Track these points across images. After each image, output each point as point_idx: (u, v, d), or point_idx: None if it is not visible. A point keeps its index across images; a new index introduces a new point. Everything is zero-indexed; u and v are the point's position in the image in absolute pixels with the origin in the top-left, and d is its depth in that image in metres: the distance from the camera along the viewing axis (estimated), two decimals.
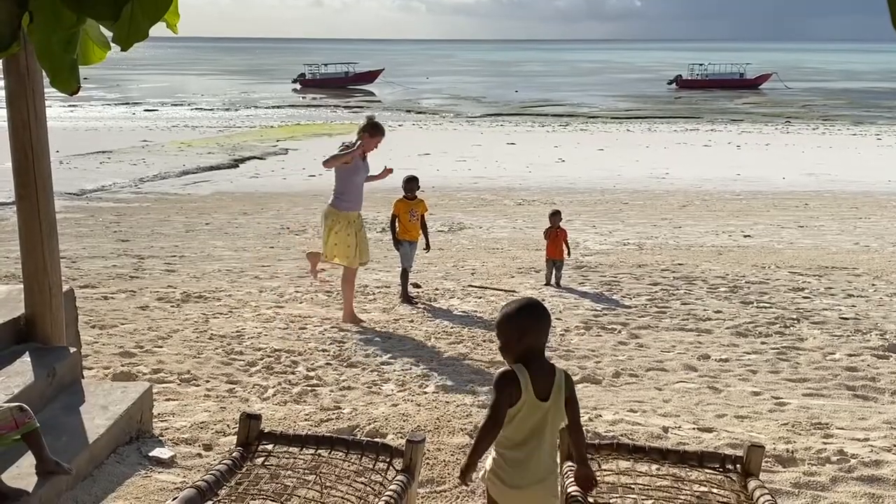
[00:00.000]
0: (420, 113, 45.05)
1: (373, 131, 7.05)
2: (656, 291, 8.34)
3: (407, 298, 7.90)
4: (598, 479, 2.94)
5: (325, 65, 68.08)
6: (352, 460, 3.08)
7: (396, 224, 7.95)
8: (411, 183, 8.04)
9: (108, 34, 1.45)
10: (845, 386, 5.56)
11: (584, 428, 4.58)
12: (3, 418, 3.13)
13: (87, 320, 6.70)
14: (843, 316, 7.39)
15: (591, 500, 2.83)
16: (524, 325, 2.70)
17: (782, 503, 3.78)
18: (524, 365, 2.68)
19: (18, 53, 3.91)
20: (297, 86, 64.54)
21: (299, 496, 2.92)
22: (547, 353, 6.50)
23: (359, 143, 6.99)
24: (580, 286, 8.66)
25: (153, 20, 1.28)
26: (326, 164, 7.01)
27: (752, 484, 2.92)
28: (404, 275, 7.98)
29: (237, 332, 6.72)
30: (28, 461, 3.42)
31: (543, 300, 7.97)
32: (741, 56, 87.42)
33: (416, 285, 8.40)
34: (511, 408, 2.65)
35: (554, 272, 8.71)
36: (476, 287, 8.57)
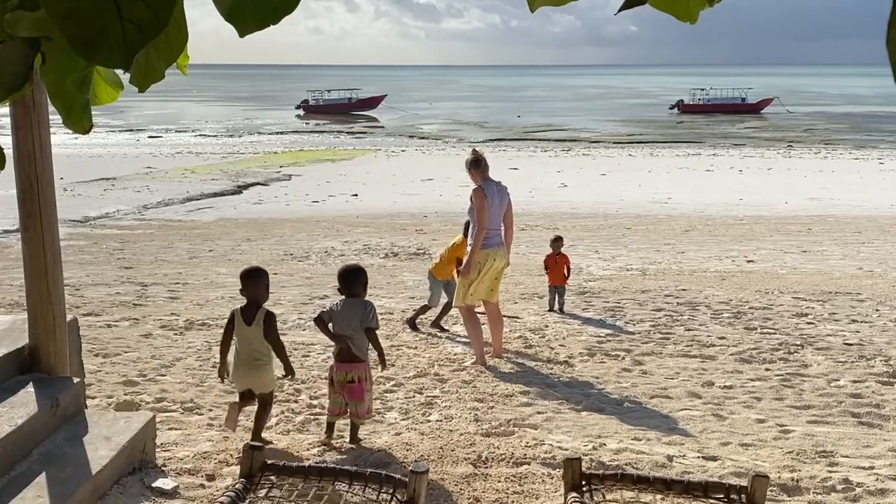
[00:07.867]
0: (423, 138, 45.31)
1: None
2: (660, 317, 8.34)
3: (413, 326, 7.93)
4: None
5: (329, 91, 68.51)
6: (355, 492, 3.08)
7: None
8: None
9: (121, 73, 1.47)
10: (850, 413, 5.54)
11: (587, 456, 4.58)
12: None
13: (90, 349, 6.71)
14: (848, 342, 7.37)
15: None
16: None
17: None
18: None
19: None
20: (301, 112, 64.91)
21: None
22: (551, 381, 6.42)
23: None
24: (584, 312, 8.66)
25: (169, 62, 1.29)
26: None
27: None
28: (424, 309, 8.05)
29: None
30: (32, 493, 3.42)
31: (547, 326, 8.03)
32: (742, 81, 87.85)
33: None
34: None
35: (557, 298, 8.71)
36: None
